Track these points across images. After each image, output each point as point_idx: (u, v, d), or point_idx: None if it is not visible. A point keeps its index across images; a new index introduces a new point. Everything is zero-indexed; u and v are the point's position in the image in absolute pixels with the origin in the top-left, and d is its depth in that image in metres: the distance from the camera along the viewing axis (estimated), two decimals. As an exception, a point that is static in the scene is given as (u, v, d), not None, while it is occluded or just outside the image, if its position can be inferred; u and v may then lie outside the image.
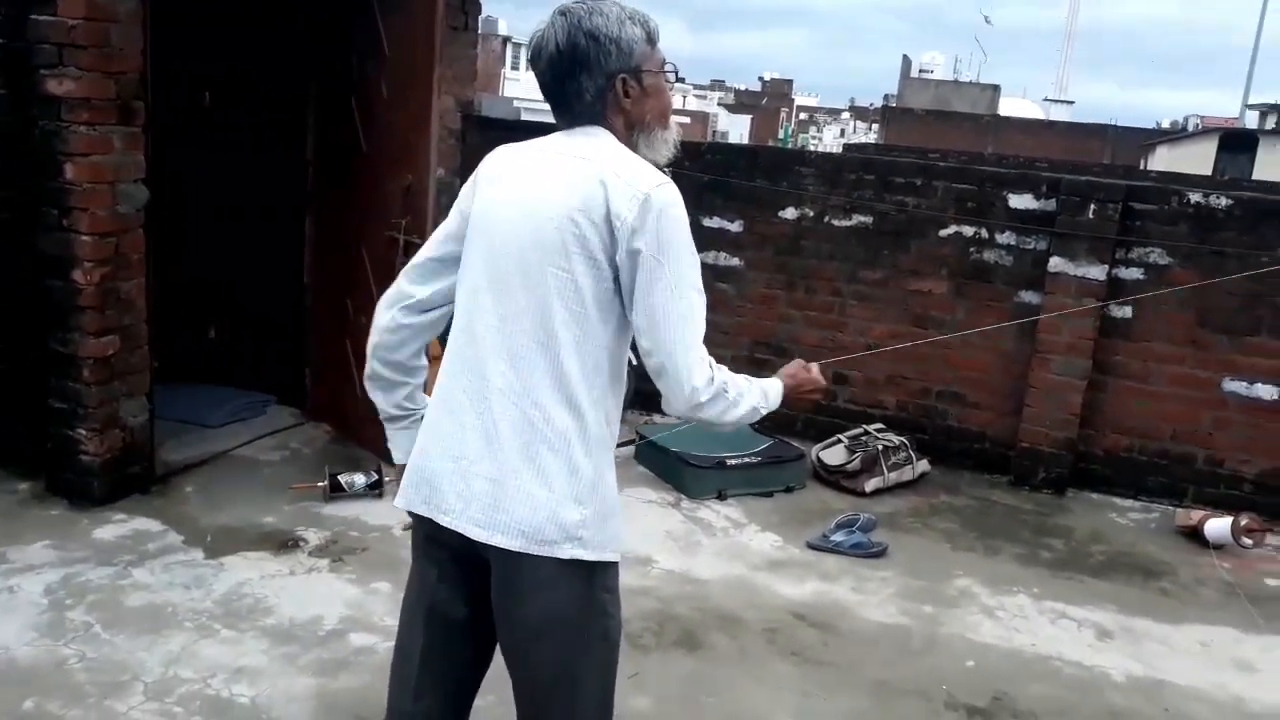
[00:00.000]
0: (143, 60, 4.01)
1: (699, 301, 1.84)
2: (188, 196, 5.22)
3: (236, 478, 4.53)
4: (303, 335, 5.38)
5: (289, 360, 5.42)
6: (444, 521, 1.88)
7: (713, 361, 1.89)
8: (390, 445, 2.12)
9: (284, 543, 3.94)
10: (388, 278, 4.43)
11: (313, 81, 5.08)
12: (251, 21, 5.02)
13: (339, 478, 4.38)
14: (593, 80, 1.87)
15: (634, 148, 1.93)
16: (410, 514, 1.96)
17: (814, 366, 2.19)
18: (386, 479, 4.37)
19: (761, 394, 2.01)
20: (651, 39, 1.91)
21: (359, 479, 4.39)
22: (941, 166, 5.74)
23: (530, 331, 1.82)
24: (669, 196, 1.82)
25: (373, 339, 2.06)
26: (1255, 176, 22.45)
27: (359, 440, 4.93)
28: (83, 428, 4.06)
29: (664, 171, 1.89)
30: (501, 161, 1.96)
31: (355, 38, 4.69)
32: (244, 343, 5.61)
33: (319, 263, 5.26)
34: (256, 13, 5.01)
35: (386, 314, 2.04)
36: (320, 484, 4.37)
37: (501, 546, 1.82)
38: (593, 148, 1.87)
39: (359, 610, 3.46)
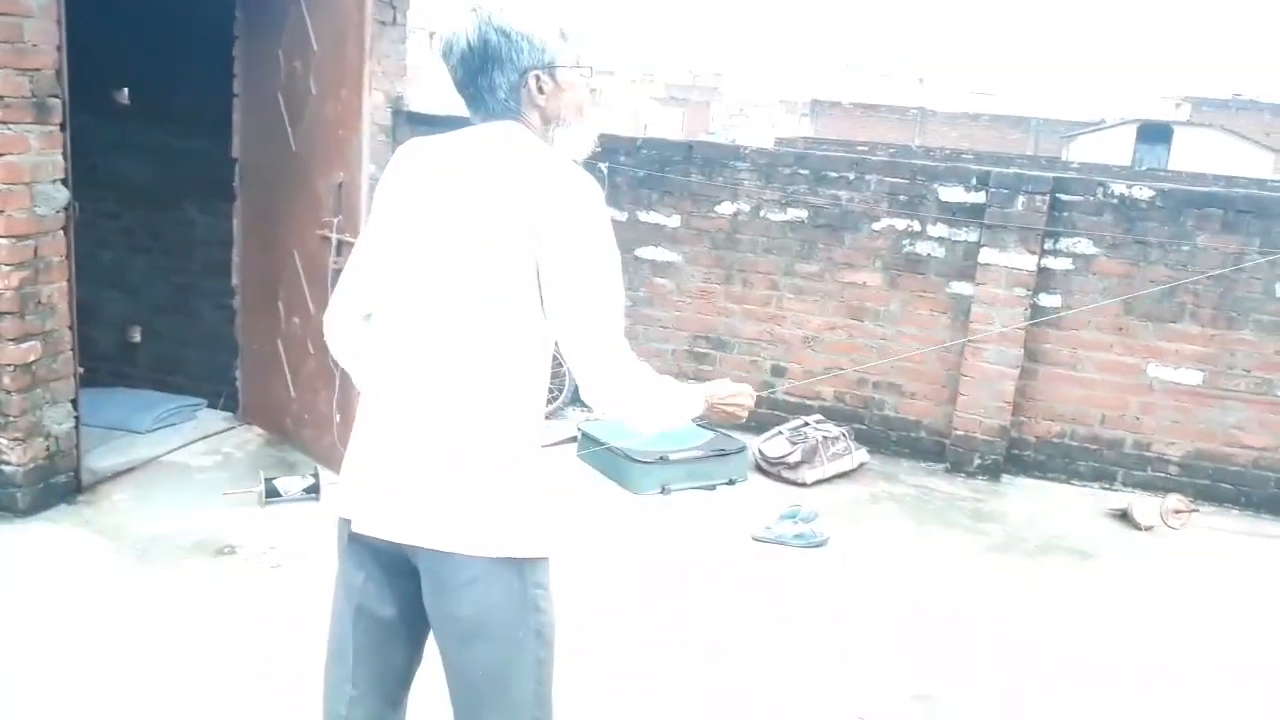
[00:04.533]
0: (58, 56, 3.87)
1: (621, 294, 1.85)
2: (110, 195, 5.09)
3: (168, 485, 4.41)
4: (232, 337, 5.25)
5: (218, 362, 5.29)
6: (372, 524, 1.87)
7: (634, 355, 1.87)
8: None
9: (220, 550, 3.85)
10: (320, 277, 4.44)
11: (237, 78, 4.96)
12: (174, 16, 4.88)
13: (274, 483, 4.29)
14: (505, 76, 1.86)
15: (550, 143, 1.92)
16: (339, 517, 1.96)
17: (747, 388, 2.13)
18: (326, 482, 4.29)
19: (681, 395, 1.95)
20: (565, 34, 1.90)
21: (295, 483, 4.31)
22: (873, 160, 5.81)
23: (452, 334, 1.81)
24: (589, 192, 1.81)
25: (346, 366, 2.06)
26: (1171, 166, 23.18)
27: (294, 443, 4.84)
28: (4, 437, 3.91)
29: (581, 165, 1.88)
30: (412, 159, 1.92)
31: (283, 35, 4.58)
32: (171, 345, 5.48)
33: (248, 262, 5.13)
34: (178, 7, 4.87)
35: (345, 341, 2.04)
36: (255, 489, 4.28)
37: (430, 547, 1.81)
38: (508, 144, 1.85)
39: (300, 617, 3.38)
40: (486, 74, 1.86)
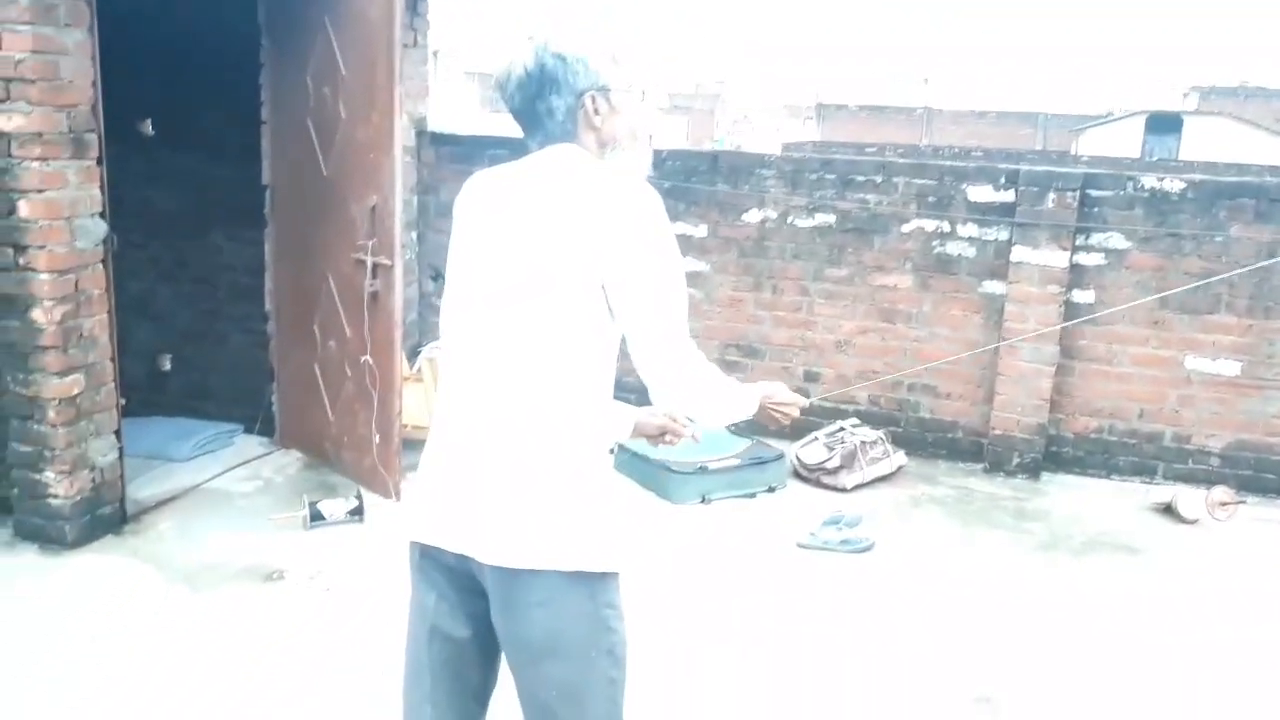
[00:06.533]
0: (93, 92, 3.90)
1: (685, 296, 1.90)
2: (137, 225, 5.11)
3: (211, 512, 4.42)
4: (267, 362, 5.26)
5: (249, 388, 5.31)
6: (440, 543, 1.90)
7: (699, 352, 1.95)
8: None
9: (268, 576, 3.85)
10: (355, 301, 4.45)
11: (264, 105, 4.98)
12: (199, 45, 4.91)
13: (318, 506, 4.30)
14: (562, 99, 1.90)
15: (607, 162, 1.95)
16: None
17: (799, 400, 2.34)
18: (369, 504, 4.30)
19: (740, 392, 2.08)
20: (617, 59, 1.95)
21: (339, 506, 4.31)
22: (901, 163, 5.81)
23: (520, 353, 1.83)
24: (647, 203, 1.84)
25: None
26: (1181, 156, 23.10)
27: (334, 465, 4.84)
28: (51, 470, 3.93)
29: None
30: (477, 193, 1.97)
31: (310, 61, 4.60)
32: (201, 372, 5.49)
33: (281, 288, 5.15)
34: (203, 38, 4.90)
35: None
36: (299, 513, 4.28)
37: (498, 565, 1.82)
38: (566, 167, 1.89)
39: (353, 638, 3.39)
40: (544, 98, 1.90)
